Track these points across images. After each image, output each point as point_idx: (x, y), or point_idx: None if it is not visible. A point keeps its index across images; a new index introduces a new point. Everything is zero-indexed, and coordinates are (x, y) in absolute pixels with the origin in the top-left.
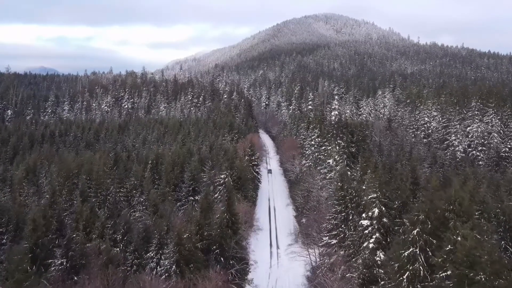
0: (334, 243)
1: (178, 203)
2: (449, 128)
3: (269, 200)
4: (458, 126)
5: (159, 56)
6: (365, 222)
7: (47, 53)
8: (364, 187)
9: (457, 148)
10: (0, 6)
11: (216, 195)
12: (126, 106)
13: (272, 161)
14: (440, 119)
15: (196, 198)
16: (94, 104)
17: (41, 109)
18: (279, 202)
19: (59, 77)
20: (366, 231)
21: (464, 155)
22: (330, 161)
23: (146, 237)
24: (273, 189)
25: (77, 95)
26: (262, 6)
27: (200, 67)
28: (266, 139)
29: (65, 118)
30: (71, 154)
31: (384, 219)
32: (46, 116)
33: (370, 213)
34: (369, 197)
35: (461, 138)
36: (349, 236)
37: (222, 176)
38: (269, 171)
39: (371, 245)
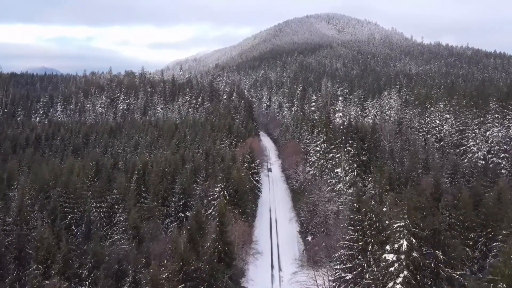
0: (349, 278)
1: (167, 220)
2: (466, 133)
3: (270, 211)
4: (477, 130)
5: (160, 57)
6: (390, 257)
7: (48, 53)
8: (384, 209)
9: (476, 155)
10: (0, 6)
11: (210, 210)
12: (122, 107)
13: (273, 167)
14: (454, 122)
15: (187, 214)
16: (88, 105)
17: (33, 111)
18: (282, 215)
19: (57, 77)
20: (392, 268)
21: (483, 162)
22: (339, 170)
23: (120, 272)
24: (274, 198)
25: (70, 96)
26: (264, 6)
27: (200, 67)
28: (267, 142)
29: (58, 120)
30: (55, 160)
31: (414, 253)
32: (38, 118)
33: (396, 246)
34: (395, 226)
35: (480, 143)
36: (369, 271)
37: (217, 189)
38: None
39: (398, 286)
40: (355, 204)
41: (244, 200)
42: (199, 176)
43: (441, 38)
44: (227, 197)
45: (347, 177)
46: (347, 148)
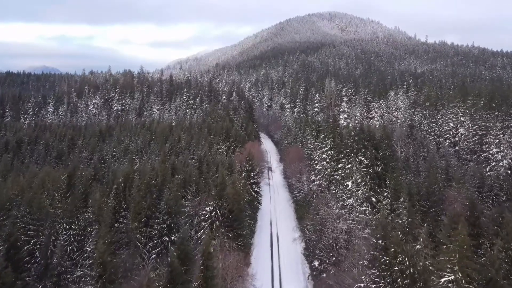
0: None
1: (150, 244)
2: (487, 138)
3: (271, 224)
4: (501, 136)
5: (160, 56)
6: None
7: (49, 52)
8: (418, 247)
9: (500, 163)
10: (2, 5)
11: (200, 233)
12: (116, 108)
13: (275, 173)
14: (470, 125)
15: (173, 237)
16: (81, 106)
17: (22, 111)
18: (284, 231)
19: (54, 76)
20: None
21: (509, 171)
22: (349, 183)
23: None
24: (276, 209)
25: (63, 96)
26: (265, 4)
27: (200, 66)
28: (268, 145)
29: (49, 121)
30: (36, 167)
31: None
32: (27, 119)
33: None
34: (443, 280)
35: (506, 151)
36: None
37: (208, 208)
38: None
39: None
40: (379, 241)
41: (240, 221)
42: (189, 191)
43: (444, 37)
44: (220, 218)
45: (359, 192)
46: (359, 157)
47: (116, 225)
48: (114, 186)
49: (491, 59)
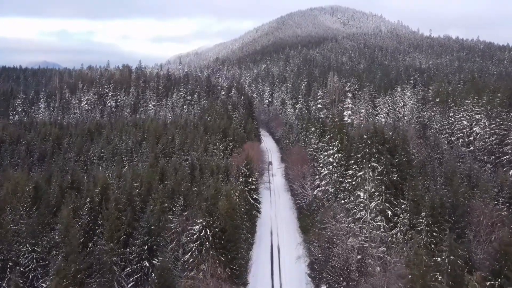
0: None
1: (128, 269)
2: (509, 138)
3: (271, 234)
4: None
5: (161, 51)
6: None
7: (49, 48)
8: None
9: None
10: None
11: (187, 256)
12: (110, 104)
13: (276, 174)
14: (487, 123)
15: (155, 261)
16: (73, 102)
17: (11, 108)
18: (286, 244)
19: (51, 71)
20: None
21: None
22: (361, 193)
23: None
24: (277, 216)
25: (55, 92)
26: None
27: (200, 61)
28: (268, 142)
29: (40, 118)
30: (6, 174)
31: None
32: (17, 116)
33: None
34: None
35: None
36: None
37: (196, 227)
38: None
39: None
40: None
41: (234, 242)
42: (177, 203)
43: (448, 32)
44: (211, 238)
45: (372, 203)
46: (372, 164)
47: (90, 245)
48: (88, 199)
49: (498, 53)
